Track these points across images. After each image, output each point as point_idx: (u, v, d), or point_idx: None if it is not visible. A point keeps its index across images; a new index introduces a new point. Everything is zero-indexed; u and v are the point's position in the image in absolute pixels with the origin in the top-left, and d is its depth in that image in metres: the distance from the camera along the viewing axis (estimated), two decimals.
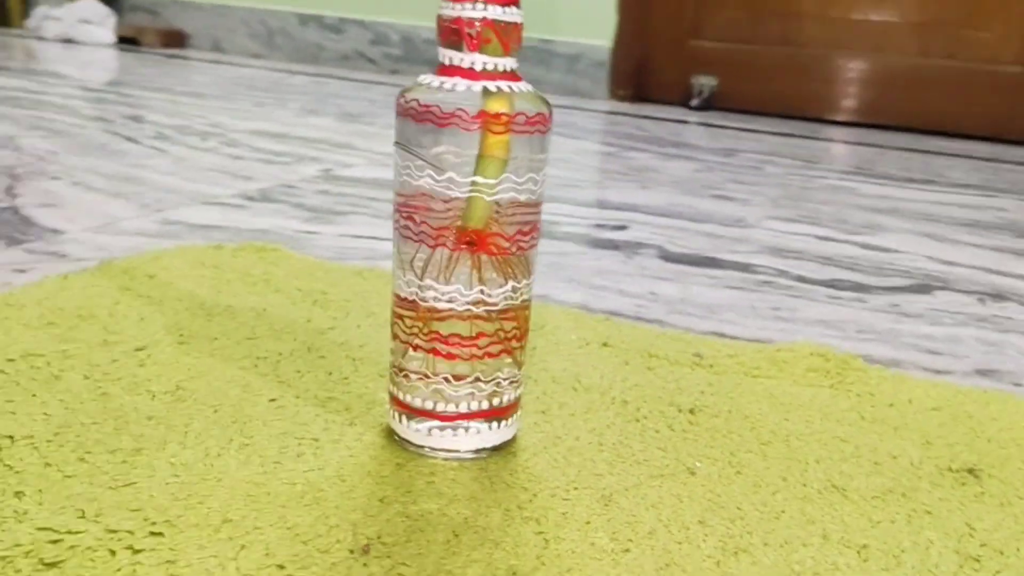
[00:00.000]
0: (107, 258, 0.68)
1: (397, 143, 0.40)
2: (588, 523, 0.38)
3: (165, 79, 1.94)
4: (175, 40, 2.70)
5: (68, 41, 2.57)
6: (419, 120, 0.38)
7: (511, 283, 0.41)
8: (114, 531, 0.34)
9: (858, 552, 0.38)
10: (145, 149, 1.15)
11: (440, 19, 0.39)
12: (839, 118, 2.18)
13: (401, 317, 0.42)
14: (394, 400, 0.43)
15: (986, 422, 0.52)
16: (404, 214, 0.40)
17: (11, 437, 0.40)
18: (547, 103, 0.40)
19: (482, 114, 0.38)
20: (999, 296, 0.82)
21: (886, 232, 1.04)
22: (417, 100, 0.39)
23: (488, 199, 0.39)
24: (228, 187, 0.98)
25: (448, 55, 0.39)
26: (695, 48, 2.30)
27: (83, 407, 0.44)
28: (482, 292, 0.40)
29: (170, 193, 0.93)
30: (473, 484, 0.40)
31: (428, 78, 0.40)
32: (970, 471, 0.46)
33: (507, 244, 0.40)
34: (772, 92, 2.22)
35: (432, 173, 0.39)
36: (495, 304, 0.40)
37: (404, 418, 0.43)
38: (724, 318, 0.69)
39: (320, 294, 0.63)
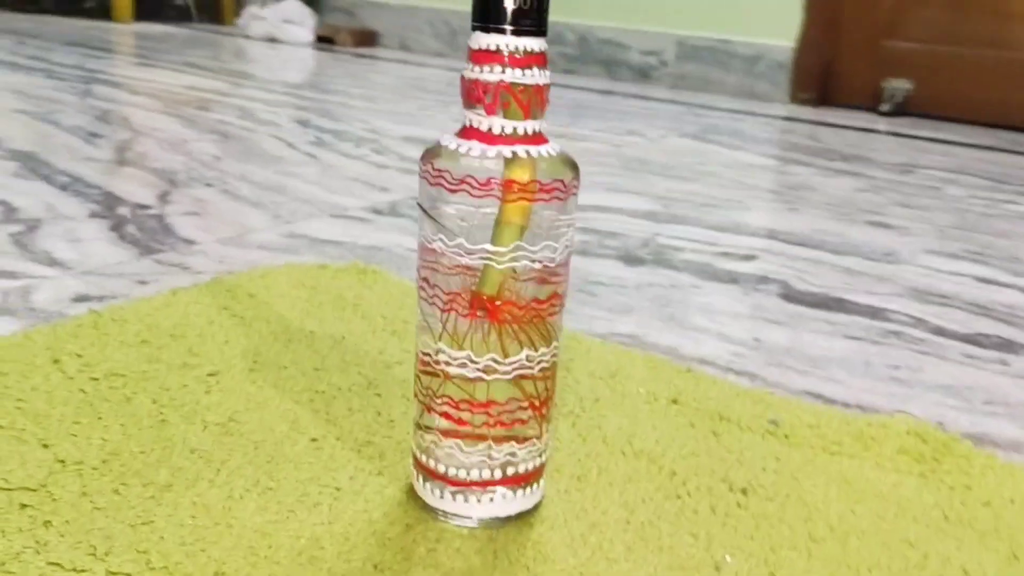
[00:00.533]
0: (222, 273, 0.72)
1: (417, 203, 0.39)
2: None
3: (346, 80, 2.04)
4: (367, 39, 2.84)
5: (272, 40, 2.77)
6: (433, 183, 0.38)
7: (526, 351, 0.39)
8: (114, 573, 0.36)
9: None
10: (299, 155, 1.22)
11: (462, 79, 0.38)
12: None
13: (419, 376, 0.41)
14: (414, 457, 0.43)
15: None
16: (422, 275, 0.40)
17: (63, 462, 0.44)
18: (573, 166, 0.38)
19: (492, 181, 0.37)
20: None
21: None
22: (432, 164, 0.38)
23: (499, 267, 0.37)
24: (362, 198, 1.02)
25: (469, 118, 0.38)
26: (889, 49, 2.13)
27: (139, 434, 0.47)
28: (494, 360, 0.39)
29: (306, 204, 0.98)
30: (475, 557, 0.39)
31: (448, 139, 0.39)
32: None
33: (521, 312, 0.38)
34: (974, 98, 2.01)
35: (444, 238, 0.38)
36: (507, 372, 0.39)
37: (422, 477, 0.42)
38: (828, 375, 0.63)
39: (402, 323, 0.64)
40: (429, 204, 0.38)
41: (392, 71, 2.30)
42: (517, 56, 0.37)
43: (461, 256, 0.38)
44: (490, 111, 0.37)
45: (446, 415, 0.40)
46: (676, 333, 0.69)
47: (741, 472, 0.48)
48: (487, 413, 0.40)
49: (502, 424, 0.40)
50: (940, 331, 0.74)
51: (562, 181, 0.38)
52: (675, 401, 0.56)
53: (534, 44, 0.37)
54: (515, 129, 0.37)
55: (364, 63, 2.42)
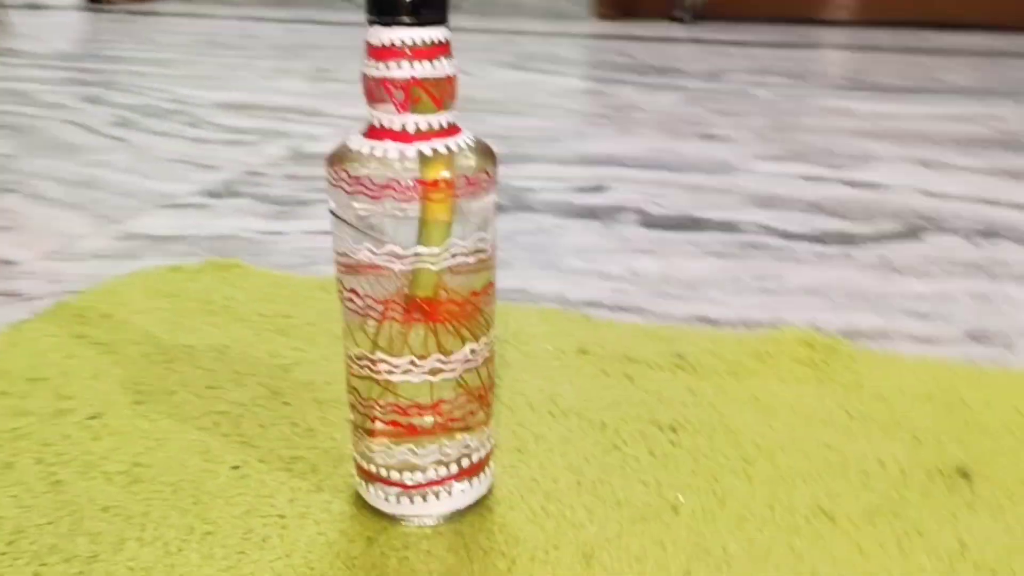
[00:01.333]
0: (63, 296, 0.65)
1: (331, 212, 0.37)
2: None
3: (129, 43, 1.86)
4: None
5: (32, 6, 2.47)
6: (351, 192, 0.35)
7: (468, 346, 0.38)
8: None
9: None
10: (103, 140, 1.11)
11: (365, 78, 0.35)
12: (837, 17, 2.09)
13: (356, 388, 0.39)
14: (358, 466, 0.41)
15: (978, 408, 0.50)
16: (348, 286, 0.37)
17: None
18: (491, 154, 0.37)
19: (419, 183, 0.35)
20: (991, 233, 0.79)
21: (877, 163, 1.00)
22: (347, 172, 0.35)
23: (435, 268, 0.36)
24: (190, 182, 0.94)
25: (377, 117, 0.36)
26: None
27: (36, 502, 0.42)
28: (439, 360, 0.38)
29: (129, 197, 0.89)
30: (449, 556, 0.39)
31: (357, 142, 0.36)
32: (961, 473, 0.44)
33: (459, 309, 0.37)
34: None
35: (371, 246, 0.36)
36: (453, 370, 0.38)
37: (371, 486, 0.41)
38: (708, 297, 0.67)
39: (283, 319, 0.61)
40: (348, 212, 0.36)
41: (178, 28, 2.12)
42: (423, 48, 0.34)
43: (393, 263, 0.36)
44: (402, 108, 0.35)
45: (394, 422, 0.39)
46: (558, 279, 0.70)
47: (664, 411, 0.50)
48: (437, 412, 0.39)
49: (452, 420, 0.39)
50: (787, 235, 0.79)
51: (485, 171, 0.36)
52: (583, 351, 0.57)
53: (439, 34, 0.35)
54: (429, 124, 0.35)
55: (144, 21, 2.22)
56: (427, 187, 0.35)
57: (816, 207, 0.86)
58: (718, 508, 0.42)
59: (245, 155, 1.04)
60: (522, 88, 1.43)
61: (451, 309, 0.37)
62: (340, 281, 0.38)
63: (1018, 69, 1.58)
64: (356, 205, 0.35)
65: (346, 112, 1.25)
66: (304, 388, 0.52)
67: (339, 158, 0.36)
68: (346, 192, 0.35)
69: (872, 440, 0.47)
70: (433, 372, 0.38)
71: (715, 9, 2.16)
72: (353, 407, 0.40)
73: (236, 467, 0.45)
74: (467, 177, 0.35)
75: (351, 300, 0.37)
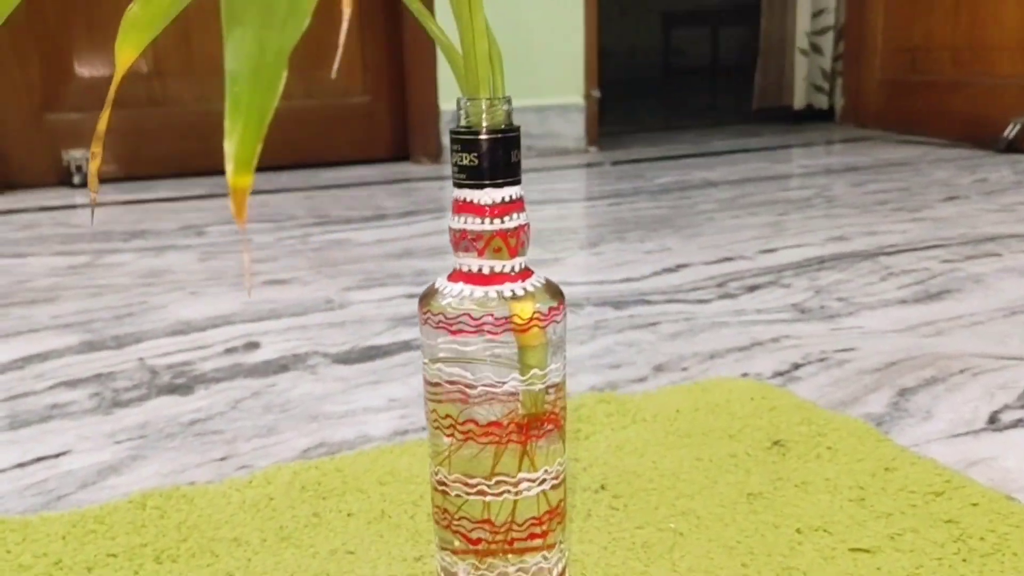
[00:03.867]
0: None
1: (425, 351, 0.41)
2: None
3: None
4: None
5: None
6: (453, 332, 0.40)
7: (557, 460, 0.43)
8: None
9: None
10: None
11: (451, 230, 0.41)
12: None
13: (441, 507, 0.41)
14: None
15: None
16: (443, 413, 0.41)
17: None
18: (559, 291, 0.43)
19: (509, 320, 0.40)
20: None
21: None
22: (443, 314, 0.40)
23: (537, 388, 0.41)
24: None
25: (462, 262, 0.40)
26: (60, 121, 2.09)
27: None
28: (545, 472, 0.42)
29: None
30: None
31: (445, 286, 0.41)
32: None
33: (552, 426, 0.42)
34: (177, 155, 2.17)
35: (470, 375, 0.40)
36: (536, 485, 0.42)
37: None
38: None
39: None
40: (447, 350, 0.40)
41: None
42: (500, 206, 0.40)
43: (496, 388, 0.40)
44: (481, 255, 0.40)
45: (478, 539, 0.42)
46: (320, 429, 0.70)
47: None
48: (527, 527, 0.43)
49: (535, 536, 0.43)
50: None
51: (555, 306, 0.42)
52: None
53: (513, 192, 0.41)
54: (507, 267, 0.41)
55: None
56: (517, 323, 0.40)
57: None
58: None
59: None
60: None
61: (545, 427, 0.42)
62: (435, 411, 0.41)
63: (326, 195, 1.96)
64: (451, 341, 0.40)
65: None
66: None
67: (429, 298, 0.41)
68: (449, 332, 0.40)
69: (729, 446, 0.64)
70: (527, 487, 0.42)
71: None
72: (438, 523, 0.43)
73: None
74: (542, 312, 0.42)
75: (453, 427, 0.41)
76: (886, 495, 0.56)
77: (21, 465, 0.66)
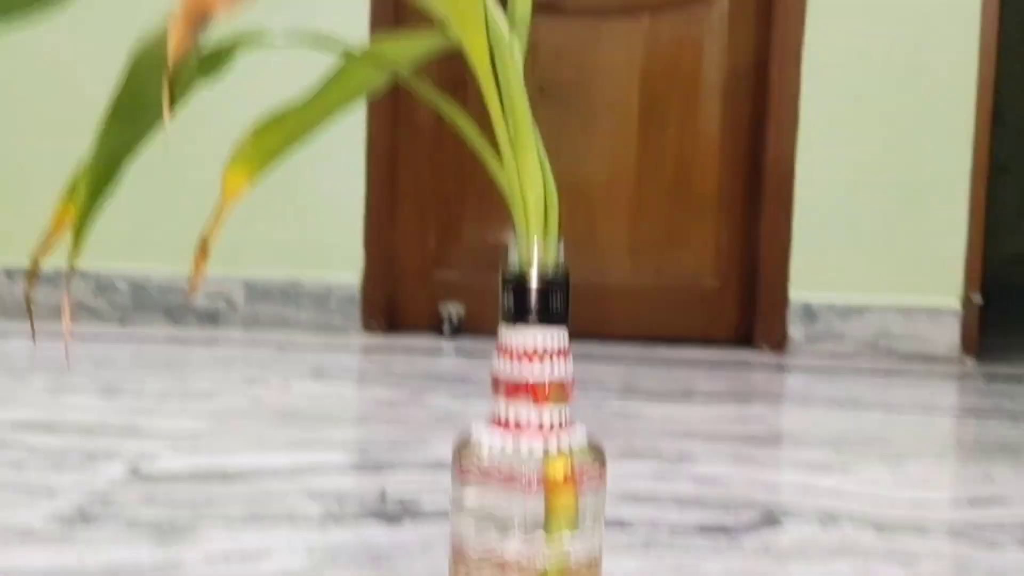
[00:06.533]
0: None
1: (455, 503, 0.38)
2: None
3: None
4: None
5: None
6: (483, 483, 0.38)
7: None
8: None
9: None
10: None
11: (493, 376, 0.40)
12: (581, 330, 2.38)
13: None
14: None
15: None
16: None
17: None
18: (601, 453, 0.41)
19: (545, 480, 0.38)
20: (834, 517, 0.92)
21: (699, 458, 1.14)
22: (478, 465, 0.38)
23: (565, 549, 0.38)
24: (31, 507, 0.83)
25: (503, 408, 0.39)
26: (440, 277, 2.43)
27: None
28: None
29: None
30: None
31: (485, 435, 0.39)
32: None
33: None
34: None
35: (497, 534, 0.37)
36: None
37: None
38: None
39: None
40: (474, 501, 0.38)
41: None
42: (545, 354, 0.39)
43: (524, 549, 0.37)
44: (525, 403, 0.39)
45: None
46: None
47: None
48: None
49: None
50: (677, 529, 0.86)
51: (595, 470, 0.40)
52: None
53: (558, 341, 0.40)
54: (555, 415, 0.39)
55: None
56: (552, 483, 0.38)
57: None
58: None
59: (80, 476, 0.94)
60: (333, 398, 1.46)
61: None
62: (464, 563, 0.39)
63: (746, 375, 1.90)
64: (486, 495, 0.38)
65: (176, 425, 1.18)
66: None
67: (468, 449, 0.39)
68: (478, 482, 0.38)
69: None
70: None
71: (471, 324, 2.38)
72: None
73: None
74: (581, 474, 0.39)
75: None
76: None
77: None
